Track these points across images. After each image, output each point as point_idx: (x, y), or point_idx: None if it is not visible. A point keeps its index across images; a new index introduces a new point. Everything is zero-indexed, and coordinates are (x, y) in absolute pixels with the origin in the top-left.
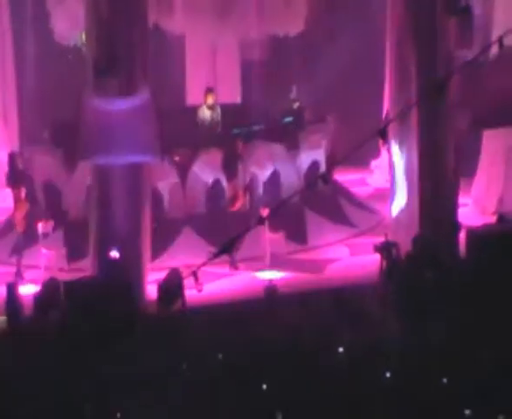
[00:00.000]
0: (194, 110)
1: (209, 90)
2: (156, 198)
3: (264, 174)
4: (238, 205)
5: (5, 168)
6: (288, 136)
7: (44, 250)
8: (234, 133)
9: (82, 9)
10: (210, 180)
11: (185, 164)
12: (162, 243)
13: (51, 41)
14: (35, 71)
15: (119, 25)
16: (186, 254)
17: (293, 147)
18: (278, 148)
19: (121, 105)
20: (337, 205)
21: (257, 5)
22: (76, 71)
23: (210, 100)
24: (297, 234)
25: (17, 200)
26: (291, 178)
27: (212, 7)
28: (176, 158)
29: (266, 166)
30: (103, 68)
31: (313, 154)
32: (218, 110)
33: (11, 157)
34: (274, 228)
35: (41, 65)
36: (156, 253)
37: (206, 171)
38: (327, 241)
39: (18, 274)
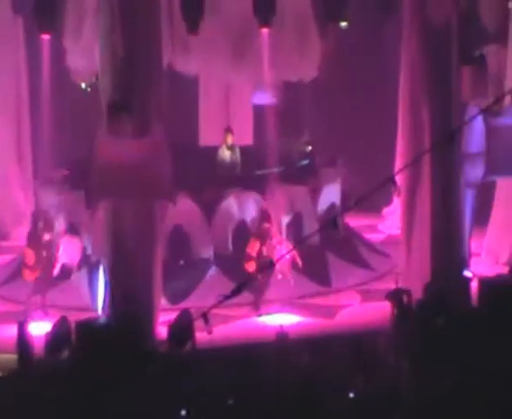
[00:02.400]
0: (214, 150)
1: (228, 130)
2: (182, 237)
3: (287, 216)
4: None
5: (19, 207)
6: (308, 178)
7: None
8: (257, 175)
9: (98, 47)
10: (236, 220)
11: (211, 204)
12: (189, 284)
13: (67, 79)
14: (50, 109)
15: (134, 65)
16: (213, 295)
17: (313, 189)
18: (300, 191)
19: (135, 144)
20: (354, 248)
21: (271, 51)
22: (91, 110)
23: (229, 141)
24: (320, 276)
25: (33, 258)
26: (312, 220)
27: (227, 49)
28: (205, 196)
29: (290, 208)
30: (117, 107)
31: (330, 196)
32: (237, 151)
33: (34, 217)
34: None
35: (56, 104)
36: (184, 293)
37: (233, 212)
38: (349, 283)
39: (30, 313)
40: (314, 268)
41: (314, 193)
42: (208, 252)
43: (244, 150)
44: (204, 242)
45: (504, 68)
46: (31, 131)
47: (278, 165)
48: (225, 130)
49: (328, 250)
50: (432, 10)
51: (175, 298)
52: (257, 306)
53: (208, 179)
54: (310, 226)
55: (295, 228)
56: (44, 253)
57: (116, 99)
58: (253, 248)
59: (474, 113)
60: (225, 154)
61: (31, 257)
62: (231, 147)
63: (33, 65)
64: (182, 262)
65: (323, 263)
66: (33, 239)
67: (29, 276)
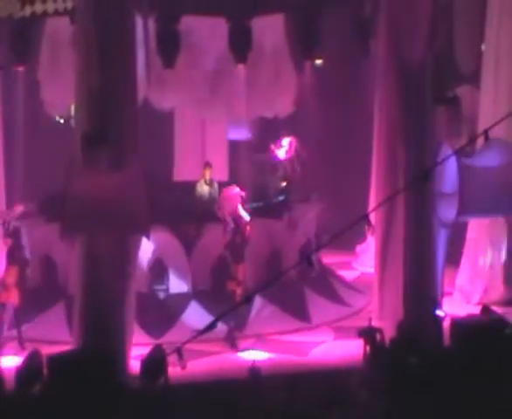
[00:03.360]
0: (191, 185)
1: (207, 165)
2: (161, 270)
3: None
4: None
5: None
6: (285, 214)
7: None
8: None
9: (73, 80)
10: (215, 256)
11: (191, 238)
12: (168, 318)
13: (42, 112)
14: (23, 142)
15: (109, 97)
16: (193, 329)
17: (290, 224)
18: (278, 225)
19: (110, 177)
20: (330, 285)
21: (247, 87)
22: (65, 143)
23: (207, 176)
24: (300, 312)
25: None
26: (291, 255)
27: (203, 85)
28: (185, 231)
29: (268, 243)
30: (93, 140)
31: (306, 232)
32: (216, 186)
33: (16, 231)
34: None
35: (30, 137)
36: (164, 328)
37: (211, 247)
38: (327, 319)
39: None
40: (293, 304)
41: (292, 228)
42: (187, 286)
43: (221, 185)
44: (184, 276)
45: (477, 109)
46: (4, 163)
47: (255, 200)
48: (205, 165)
49: (305, 285)
50: (406, 50)
51: (155, 333)
52: (234, 343)
53: (186, 214)
54: (289, 261)
55: (275, 263)
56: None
57: (91, 132)
58: None
59: (448, 153)
60: (204, 188)
61: (12, 274)
62: (209, 182)
63: (7, 97)
64: (161, 295)
65: (302, 299)
66: (14, 256)
67: (6, 298)
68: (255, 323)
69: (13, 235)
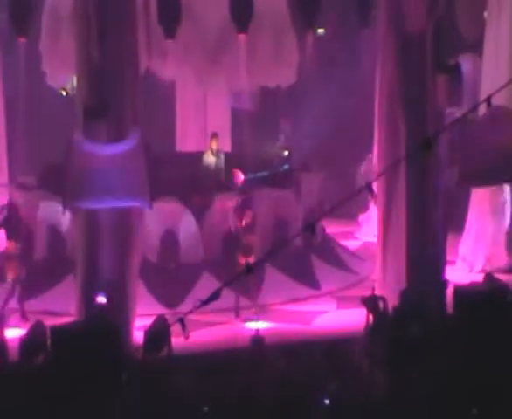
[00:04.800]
0: (196, 155)
1: (214, 135)
2: (173, 241)
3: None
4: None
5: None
6: (290, 183)
7: None
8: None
9: (74, 52)
10: (225, 226)
11: (201, 209)
12: (180, 289)
13: (43, 84)
14: (25, 113)
15: (110, 70)
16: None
17: (297, 193)
18: (286, 194)
19: (110, 149)
20: (335, 253)
21: (247, 56)
22: (67, 114)
23: (214, 146)
24: (309, 279)
25: (10, 251)
26: (297, 224)
27: (204, 55)
28: (195, 201)
29: (275, 212)
30: (93, 112)
31: (310, 200)
32: (222, 156)
33: (12, 207)
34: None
35: (32, 108)
36: (178, 298)
37: (222, 216)
38: (335, 286)
39: (3, 317)
40: (301, 272)
41: (298, 197)
42: (198, 257)
43: (228, 156)
44: (195, 246)
45: (479, 77)
46: (6, 136)
47: (261, 170)
48: (211, 135)
49: (312, 253)
50: (407, 19)
51: (170, 303)
52: (238, 312)
53: (194, 184)
54: (295, 230)
55: (281, 232)
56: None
57: (92, 104)
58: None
59: (450, 120)
60: (210, 159)
61: (12, 248)
62: (216, 153)
63: (8, 69)
64: (173, 266)
65: (309, 266)
66: (12, 230)
67: (13, 271)
68: (267, 292)
69: (8, 210)
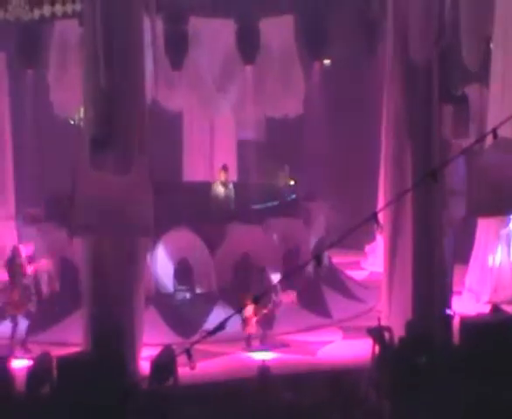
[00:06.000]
0: (208, 186)
1: (224, 168)
2: (186, 271)
3: (284, 249)
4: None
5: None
6: (300, 212)
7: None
8: (256, 209)
9: (81, 82)
10: (239, 255)
11: (214, 238)
12: (196, 318)
13: (51, 114)
14: (33, 144)
15: (117, 99)
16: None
17: (306, 222)
18: (297, 224)
19: (117, 179)
20: (343, 283)
21: (254, 87)
22: (74, 144)
23: (223, 177)
24: (321, 308)
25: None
26: (308, 252)
27: (210, 86)
28: (208, 231)
29: (286, 241)
30: (100, 141)
31: (318, 229)
32: (231, 186)
33: (14, 251)
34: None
35: (39, 139)
36: (193, 328)
37: (234, 246)
38: (346, 315)
39: (12, 348)
40: (313, 301)
41: (307, 226)
42: (211, 286)
43: (235, 185)
44: (208, 275)
45: (486, 107)
46: (14, 165)
47: (270, 199)
48: (222, 167)
49: (322, 283)
50: (413, 49)
51: (185, 333)
52: (249, 343)
53: (205, 214)
54: (307, 258)
55: (292, 261)
56: (26, 288)
57: (99, 134)
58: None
59: (457, 151)
60: (220, 189)
61: (16, 294)
62: (225, 183)
63: (17, 100)
64: (188, 296)
65: (321, 295)
66: (15, 276)
67: (12, 311)
68: (281, 321)
69: (11, 257)
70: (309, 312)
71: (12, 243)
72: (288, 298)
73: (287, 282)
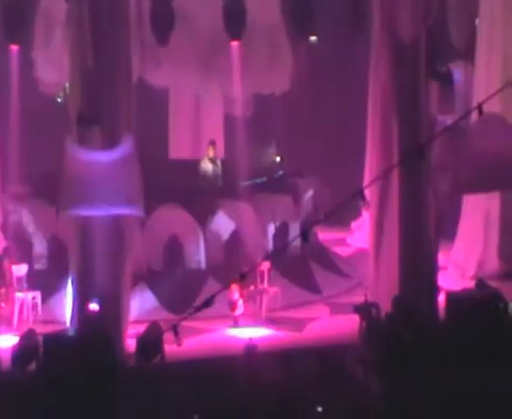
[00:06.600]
0: (196, 162)
1: (211, 143)
2: (177, 247)
3: (273, 226)
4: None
5: None
6: (288, 188)
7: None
8: (244, 186)
9: (67, 59)
10: (228, 232)
11: (204, 215)
12: (187, 295)
13: (36, 91)
14: (18, 122)
15: (103, 76)
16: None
17: (295, 198)
18: (285, 200)
19: (104, 156)
20: (330, 259)
21: (241, 63)
22: (60, 121)
23: (211, 153)
24: (309, 285)
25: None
26: (296, 229)
27: (197, 62)
28: (199, 208)
29: (275, 218)
30: (86, 119)
31: (306, 205)
32: (219, 163)
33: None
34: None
35: (24, 115)
36: (184, 304)
37: (224, 223)
38: (336, 290)
39: None
40: (301, 277)
41: (296, 202)
42: (201, 262)
43: (224, 162)
44: (198, 252)
45: (471, 84)
46: None
47: (257, 176)
48: (209, 142)
49: (310, 259)
50: (400, 26)
51: (176, 309)
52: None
53: (195, 191)
54: (295, 236)
55: (282, 237)
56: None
57: (85, 111)
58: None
59: (442, 127)
60: (208, 165)
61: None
62: (213, 159)
63: (1, 76)
64: (179, 272)
65: (309, 272)
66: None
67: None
68: (271, 297)
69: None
70: (299, 288)
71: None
72: (272, 290)
73: (275, 259)
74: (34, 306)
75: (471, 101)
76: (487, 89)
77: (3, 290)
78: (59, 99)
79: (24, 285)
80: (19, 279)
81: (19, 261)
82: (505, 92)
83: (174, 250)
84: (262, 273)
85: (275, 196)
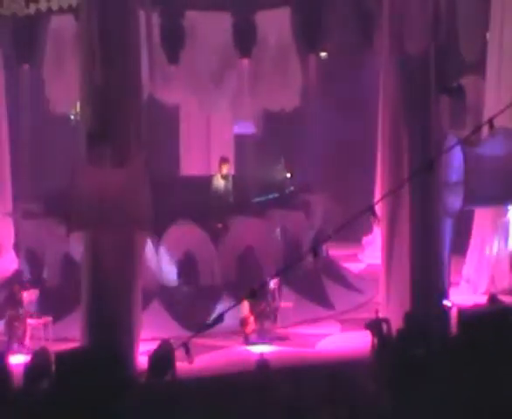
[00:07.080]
0: (209, 179)
1: (224, 160)
2: (191, 264)
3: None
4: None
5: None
6: (300, 204)
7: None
8: (257, 202)
9: (78, 77)
10: (241, 248)
11: (217, 231)
12: (201, 312)
13: (47, 109)
14: (29, 140)
15: (113, 94)
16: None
17: (307, 213)
18: (298, 216)
19: (115, 174)
20: (342, 274)
21: (251, 81)
22: (70, 140)
23: (224, 170)
24: (322, 300)
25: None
26: (308, 245)
27: (206, 79)
28: (212, 225)
29: (288, 234)
30: (97, 137)
31: (317, 221)
32: (231, 179)
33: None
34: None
35: (35, 135)
36: (199, 320)
37: (237, 239)
38: (348, 306)
39: (9, 343)
40: (314, 292)
41: (307, 217)
42: (216, 279)
43: (235, 178)
44: (213, 268)
45: (482, 99)
46: (10, 162)
47: (268, 192)
48: (222, 160)
49: (322, 275)
50: (410, 41)
51: (190, 326)
52: (247, 337)
53: (206, 207)
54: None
55: (293, 253)
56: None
57: (95, 129)
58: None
59: (453, 142)
60: (220, 182)
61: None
62: (225, 176)
63: (13, 96)
64: (193, 289)
65: (322, 287)
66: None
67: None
68: (283, 313)
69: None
70: (311, 304)
71: (9, 238)
72: (284, 306)
73: (287, 275)
74: (46, 328)
75: (482, 115)
76: (498, 103)
77: (15, 312)
78: (72, 117)
79: (35, 309)
80: (30, 304)
81: (30, 284)
82: None
83: (188, 266)
84: (274, 289)
85: (287, 212)
